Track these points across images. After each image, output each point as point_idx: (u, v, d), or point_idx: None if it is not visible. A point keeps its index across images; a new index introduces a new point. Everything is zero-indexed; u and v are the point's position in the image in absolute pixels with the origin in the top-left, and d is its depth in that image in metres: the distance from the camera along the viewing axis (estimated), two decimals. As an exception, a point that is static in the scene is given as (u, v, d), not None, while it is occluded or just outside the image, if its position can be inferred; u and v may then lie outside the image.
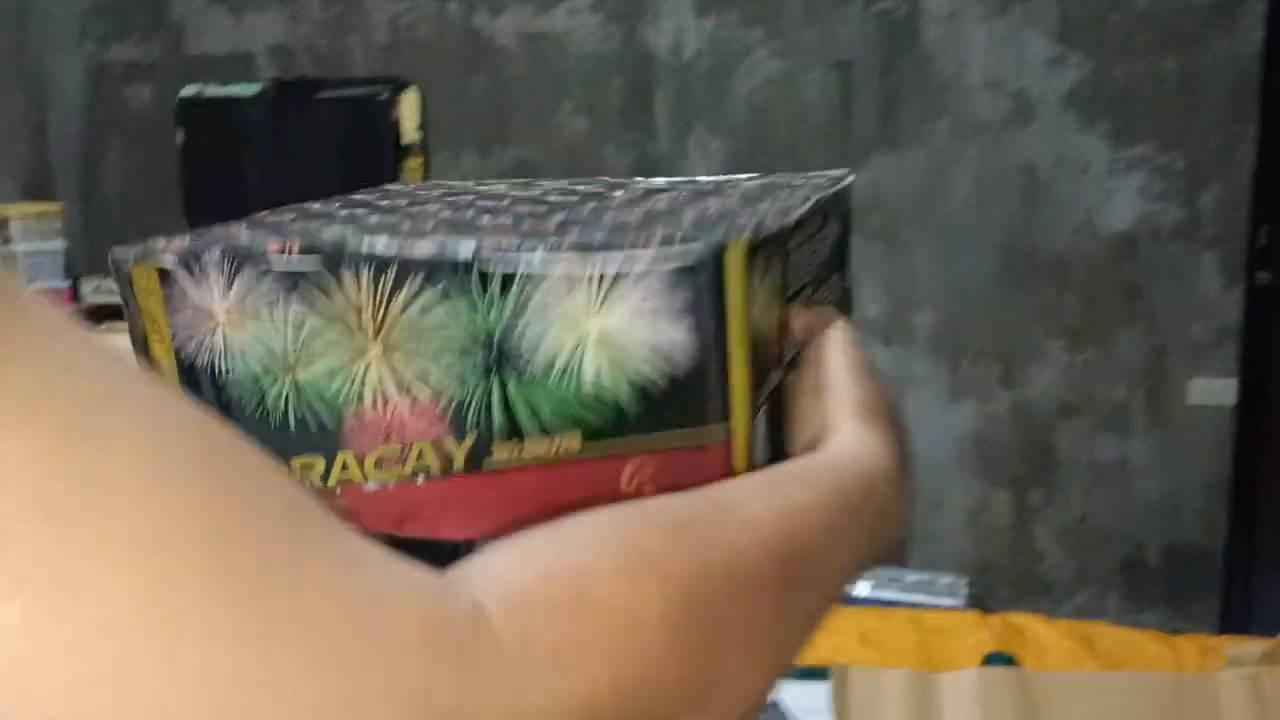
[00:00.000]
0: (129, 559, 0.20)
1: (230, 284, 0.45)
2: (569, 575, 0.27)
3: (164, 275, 0.45)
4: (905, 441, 0.41)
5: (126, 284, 0.46)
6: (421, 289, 0.42)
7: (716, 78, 2.59)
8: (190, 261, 0.45)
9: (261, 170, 2.21)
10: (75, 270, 2.43)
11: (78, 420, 0.20)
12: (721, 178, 0.56)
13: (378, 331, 0.43)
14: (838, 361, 0.41)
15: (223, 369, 0.46)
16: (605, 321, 0.40)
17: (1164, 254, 2.40)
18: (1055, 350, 2.48)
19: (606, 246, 0.40)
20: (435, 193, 0.58)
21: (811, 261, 0.49)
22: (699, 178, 0.57)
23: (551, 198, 0.54)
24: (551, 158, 2.73)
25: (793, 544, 0.33)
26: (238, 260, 0.44)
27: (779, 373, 0.44)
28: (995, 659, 1.30)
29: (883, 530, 0.38)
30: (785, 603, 0.32)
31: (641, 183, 0.57)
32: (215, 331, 0.46)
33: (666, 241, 0.39)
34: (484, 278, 0.41)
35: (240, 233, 0.47)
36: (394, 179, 2.26)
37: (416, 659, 0.22)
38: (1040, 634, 1.42)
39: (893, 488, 0.38)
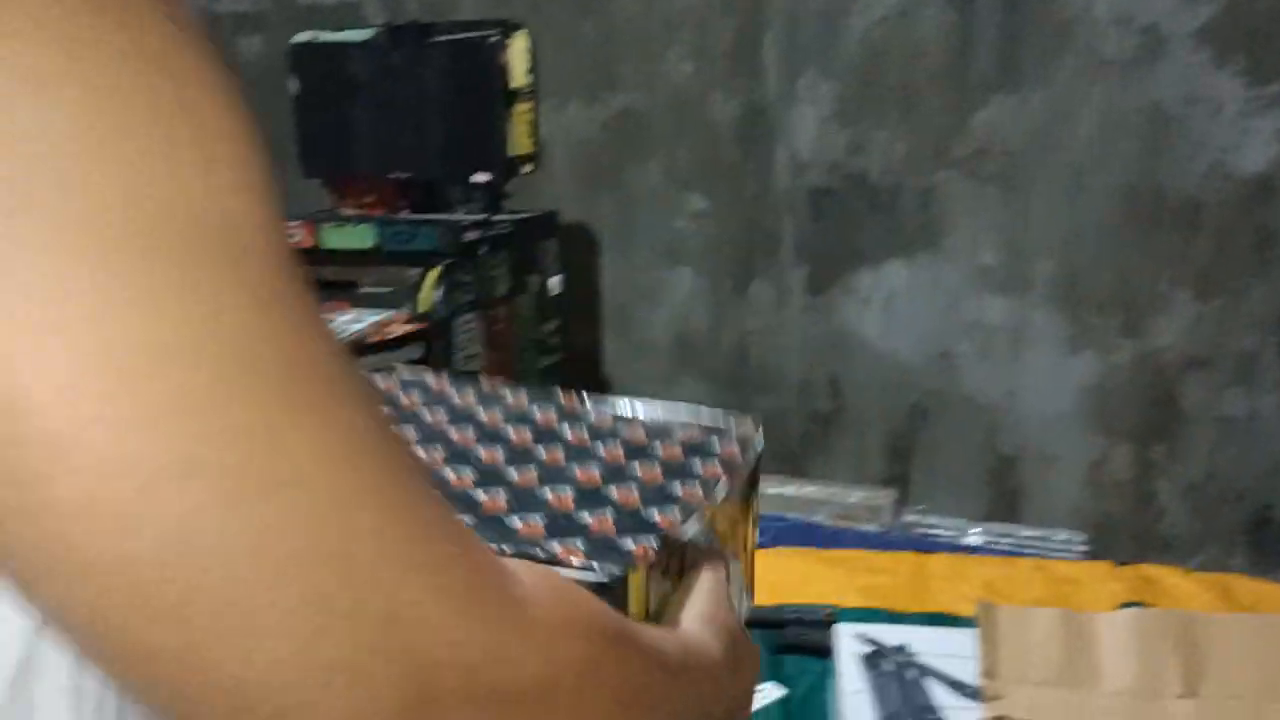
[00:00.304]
0: (342, 453, 0.27)
1: None
2: (553, 580, 0.36)
3: None
4: (739, 653, 0.50)
5: None
6: None
7: (829, 16, 2.52)
8: None
9: (373, 115, 2.23)
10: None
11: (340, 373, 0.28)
12: (663, 421, 0.64)
13: None
14: (702, 586, 0.51)
15: None
16: None
17: (1303, 197, 2.28)
18: (1182, 299, 2.38)
19: (540, 557, 0.47)
20: (414, 397, 0.66)
21: (714, 527, 0.56)
22: (637, 416, 0.65)
23: (508, 430, 0.61)
24: (657, 104, 2.70)
25: (669, 664, 0.41)
26: None
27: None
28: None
29: (713, 710, 0.46)
30: (662, 702, 0.40)
31: (590, 418, 0.65)
32: None
33: (584, 561, 0.47)
34: None
35: None
36: (503, 125, 2.26)
37: (491, 583, 0.31)
38: (1175, 585, 1.37)
39: (723, 683, 0.47)
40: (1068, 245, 2.44)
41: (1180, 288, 2.38)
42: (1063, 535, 2.09)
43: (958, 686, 1.16)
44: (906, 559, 1.55)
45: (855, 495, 2.52)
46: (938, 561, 1.54)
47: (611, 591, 0.45)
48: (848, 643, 1.20)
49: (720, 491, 0.55)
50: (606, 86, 2.73)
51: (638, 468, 0.56)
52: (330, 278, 2.08)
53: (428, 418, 0.62)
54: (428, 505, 0.30)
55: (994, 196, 2.47)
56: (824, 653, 1.22)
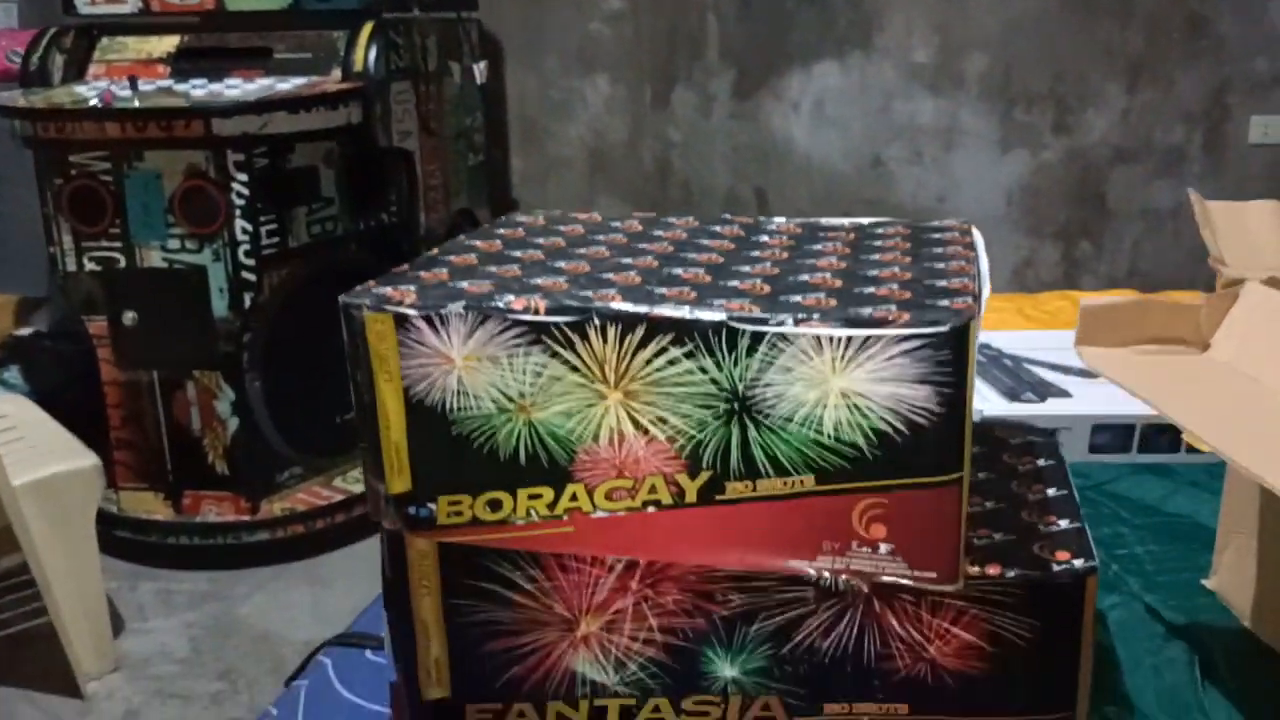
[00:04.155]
0: None
1: (471, 334, 0.50)
2: None
3: (401, 322, 0.51)
4: None
5: (358, 330, 0.52)
6: (668, 346, 0.48)
7: None
8: (431, 312, 0.51)
9: None
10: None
11: None
12: (845, 223, 0.66)
13: (619, 380, 0.49)
14: None
15: (455, 406, 0.52)
16: (848, 381, 0.46)
17: (1232, -16, 2.28)
18: (1114, 92, 2.37)
19: (851, 319, 0.46)
20: (575, 228, 0.65)
21: None
22: (818, 222, 0.67)
23: (705, 241, 0.61)
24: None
25: None
26: (482, 314, 0.51)
27: None
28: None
29: None
30: None
31: (767, 223, 0.67)
32: (451, 374, 0.51)
33: (910, 321, 0.46)
34: (733, 338, 0.47)
35: (469, 285, 0.53)
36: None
37: None
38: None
39: None
40: (1001, 39, 2.39)
41: (1111, 80, 2.37)
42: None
43: (1060, 369, 1.09)
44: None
45: (792, 303, 2.44)
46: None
47: (951, 357, 0.45)
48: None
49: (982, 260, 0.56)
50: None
51: (874, 254, 0.56)
52: (238, 44, 1.83)
53: (604, 238, 0.62)
54: None
55: (928, -11, 2.39)
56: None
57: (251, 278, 1.65)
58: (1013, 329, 1.36)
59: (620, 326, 0.50)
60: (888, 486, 0.49)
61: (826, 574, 0.52)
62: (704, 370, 0.50)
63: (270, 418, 1.72)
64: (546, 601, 0.58)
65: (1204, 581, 0.75)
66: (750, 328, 0.48)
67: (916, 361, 0.47)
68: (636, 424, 0.51)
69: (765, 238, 0.64)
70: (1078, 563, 0.52)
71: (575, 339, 0.51)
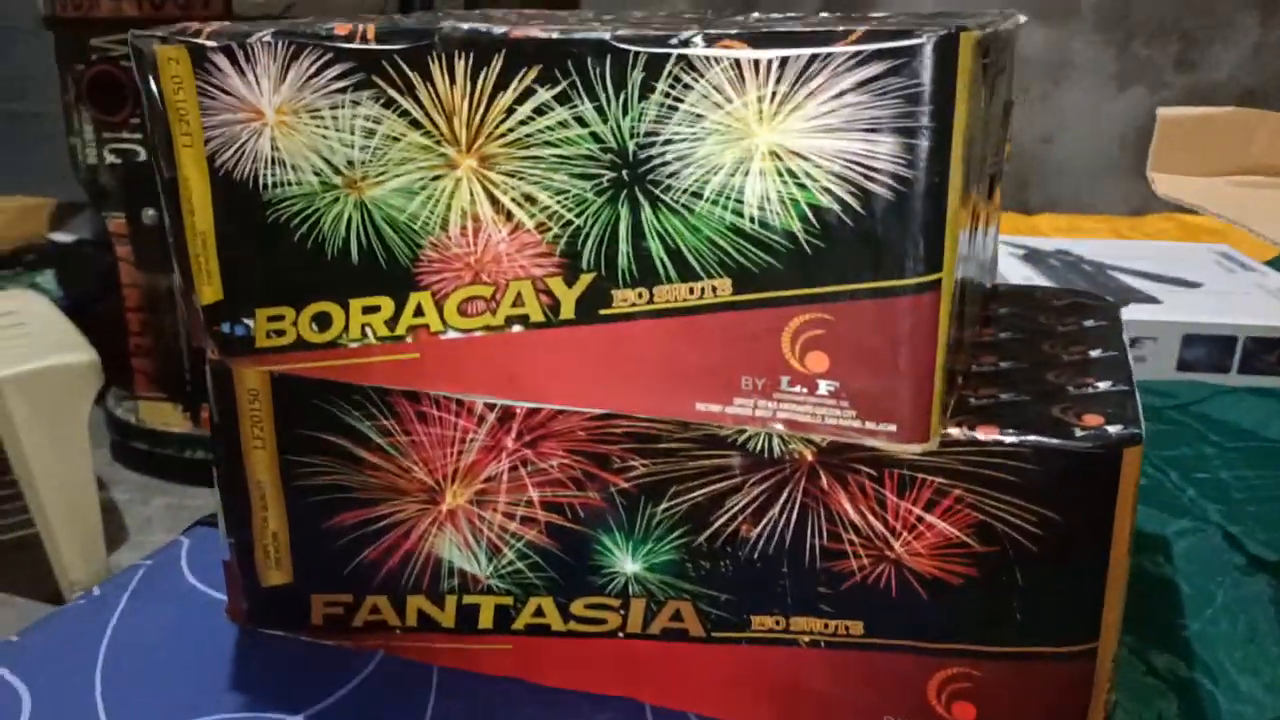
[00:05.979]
0: None
1: (284, 74, 0.38)
2: None
3: (199, 58, 0.39)
4: None
5: (149, 70, 0.40)
6: (536, 85, 0.35)
7: None
8: (234, 44, 0.38)
9: None
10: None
11: None
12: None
13: (473, 140, 0.36)
14: None
15: (269, 181, 0.39)
16: (780, 133, 0.33)
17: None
18: (1246, 24, 2.13)
19: (790, 37, 0.32)
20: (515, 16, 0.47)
21: (991, 116, 0.40)
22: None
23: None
24: None
25: None
26: (295, 44, 0.37)
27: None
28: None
29: None
30: None
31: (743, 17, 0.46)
32: (262, 133, 0.39)
33: (873, 35, 0.31)
34: (621, 69, 0.33)
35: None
36: None
37: None
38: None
39: None
40: (1122, -38, 2.16)
41: (1244, 10, 2.13)
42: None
43: (1151, 276, 0.91)
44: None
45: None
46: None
47: (932, 83, 0.31)
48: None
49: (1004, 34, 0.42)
50: None
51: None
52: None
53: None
54: None
55: (1042, -95, 2.17)
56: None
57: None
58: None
59: (471, 57, 0.36)
60: (834, 294, 0.34)
61: (751, 424, 0.37)
62: (582, 121, 0.35)
63: (292, 329, 1.62)
64: (403, 462, 0.44)
65: (1309, 516, 0.57)
66: (644, 49, 0.34)
67: (879, 99, 0.32)
68: (496, 204, 0.37)
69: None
70: (1112, 428, 0.36)
71: (415, 78, 0.37)
